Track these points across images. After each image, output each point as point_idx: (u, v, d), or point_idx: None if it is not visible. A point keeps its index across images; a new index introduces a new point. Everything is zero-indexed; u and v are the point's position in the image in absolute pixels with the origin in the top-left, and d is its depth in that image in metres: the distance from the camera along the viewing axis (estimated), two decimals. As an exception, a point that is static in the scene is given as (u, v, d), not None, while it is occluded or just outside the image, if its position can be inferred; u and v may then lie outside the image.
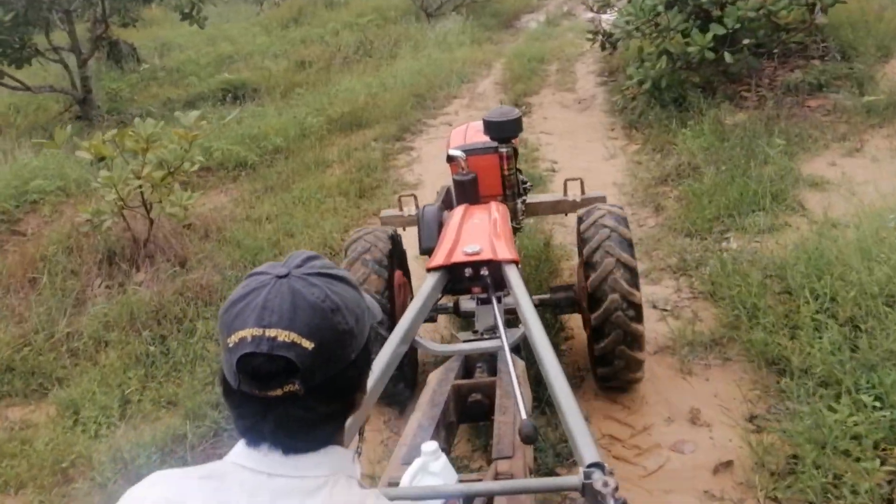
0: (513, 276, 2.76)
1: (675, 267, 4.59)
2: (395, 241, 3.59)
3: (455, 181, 3.68)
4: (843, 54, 8.22)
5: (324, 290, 1.06)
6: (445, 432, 2.42)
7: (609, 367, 3.28)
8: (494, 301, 2.78)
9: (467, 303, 3.48)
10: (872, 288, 3.54)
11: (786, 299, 3.85)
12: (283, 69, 11.96)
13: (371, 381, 1.66)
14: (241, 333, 1.02)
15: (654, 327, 4.00)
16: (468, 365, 2.91)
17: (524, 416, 1.98)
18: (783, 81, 7.62)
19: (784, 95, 7.25)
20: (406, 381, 3.46)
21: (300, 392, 1.04)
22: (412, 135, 8.22)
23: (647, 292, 4.38)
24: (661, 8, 6.65)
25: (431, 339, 3.49)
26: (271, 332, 1.01)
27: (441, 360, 3.11)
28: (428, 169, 6.97)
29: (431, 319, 3.68)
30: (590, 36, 8.67)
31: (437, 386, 2.58)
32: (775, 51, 7.21)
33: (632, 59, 8.26)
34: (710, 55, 6.53)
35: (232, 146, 7.58)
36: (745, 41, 6.59)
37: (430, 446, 1.84)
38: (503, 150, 3.71)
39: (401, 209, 4.28)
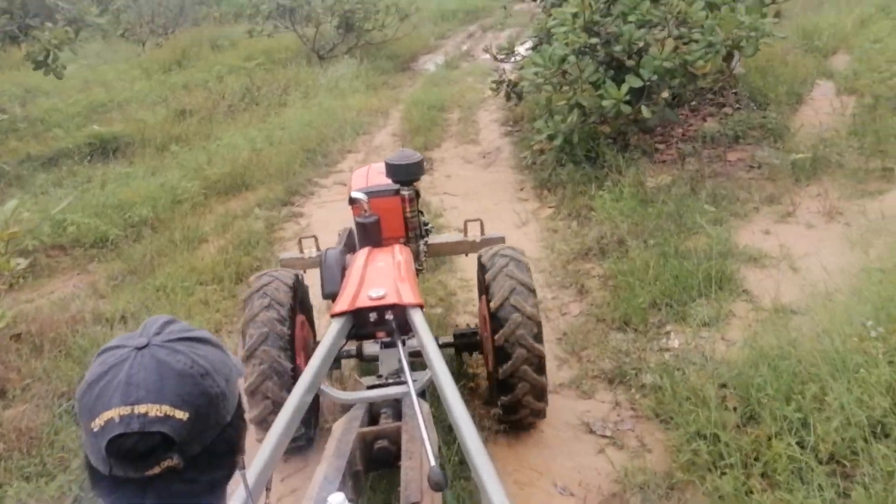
0: (417, 319, 2.73)
1: (611, 374, 3.87)
2: (296, 286, 3.49)
3: (357, 223, 3.63)
4: (753, 101, 7.87)
5: (189, 356, 1.03)
6: (353, 482, 2.39)
7: (513, 416, 3.36)
8: (400, 345, 2.72)
9: (371, 347, 3.50)
10: (858, 416, 2.89)
11: (751, 427, 3.16)
12: (161, 119, 10.87)
13: (276, 432, 1.92)
14: (107, 415, 0.97)
15: (594, 464, 3.26)
16: (373, 411, 2.87)
17: (432, 461, 1.90)
18: (698, 132, 7.16)
19: (701, 147, 6.77)
20: (308, 428, 3.37)
21: (179, 466, 1.00)
22: (301, 197, 7.33)
23: (581, 409, 3.66)
24: (571, 58, 6.04)
25: (334, 386, 3.43)
26: (141, 409, 0.97)
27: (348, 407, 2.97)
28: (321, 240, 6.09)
29: (335, 366, 3.60)
30: (493, 86, 8.03)
31: (341, 435, 2.53)
32: (693, 102, 6.71)
33: (540, 110, 7.67)
34: (626, 109, 5.95)
35: (90, 219, 6.51)
36: (664, 94, 6.03)
37: (337, 498, 1.72)
38: (405, 192, 3.73)
39: (301, 251, 4.25)
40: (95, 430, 0.98)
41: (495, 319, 3.19)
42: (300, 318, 3.53)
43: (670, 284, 4.41)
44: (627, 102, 5.96)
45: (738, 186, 5.89)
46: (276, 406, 2.90)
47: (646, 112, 6.02)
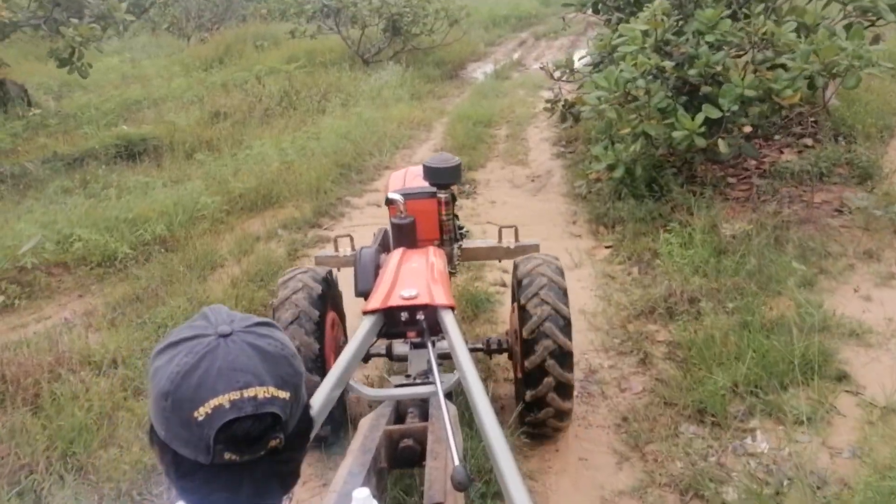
0: (448, 321, 2.75)
1: (683, 482, 3.13)
2: (329, 281, 3.54)
3: (393, 224, 3.69)
4: (837, 132, 7.03)
5: (276, 339, 1.06)
6: (376, 479, 2.37)
7: (537, 414, 3.28)
8: (429, 345, 2.75)
9: (400, 347, 3.45)
10: None
11: None
12: (194, 121, 10.34)
13: None
14: (214, 402, 0.97)
15: None
16: (400, 410, 2.82)
17: (456, 462, 1.94)
18: (775, 166, 6.35)
19: (780, 185, 5.98)
20: (334, 424, 3.35)
21: (280, 445, 1.03)
22: (330, 219, 6.70)
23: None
24: (640, 81, 5.30)
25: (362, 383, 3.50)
26: (250, 392, 0.99)
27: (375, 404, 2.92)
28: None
29: (363, 362, 3.53)
30: (548, 105, 7.31)
31: (368, 432, 2.52)
32: (776, 136, 5.93)
33: (598, 134, 6.93)
34: (700, 142, 5.20)
35: (99, 234, 5.94)
36: (746, 127, 5.26)
37: (362, 493, 1.65)
38: (441, 195, 3.76)
39: (336, 249, 4.28)
40: (201, 418, 0.97)
41: (524, 313, 3.18)
42: (331, 315, 3.52)
43: (755, 366, 3.65)
44: (701, 134, 5.21)
45: (827, 237, 5.10)
46: None
47: (723, 147, 5.26)
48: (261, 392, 0.98)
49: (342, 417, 3.45)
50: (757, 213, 5.42)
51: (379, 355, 3.52)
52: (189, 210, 6.55)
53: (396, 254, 3.44)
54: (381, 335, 2.97)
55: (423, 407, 2.78)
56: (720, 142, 5.26)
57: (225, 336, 1.02)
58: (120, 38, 22.26)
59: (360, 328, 2.79)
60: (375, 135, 8.85)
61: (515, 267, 3.46)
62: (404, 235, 3.63)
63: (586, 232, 6.00)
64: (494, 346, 3.58)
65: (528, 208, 6.65)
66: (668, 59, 5.44)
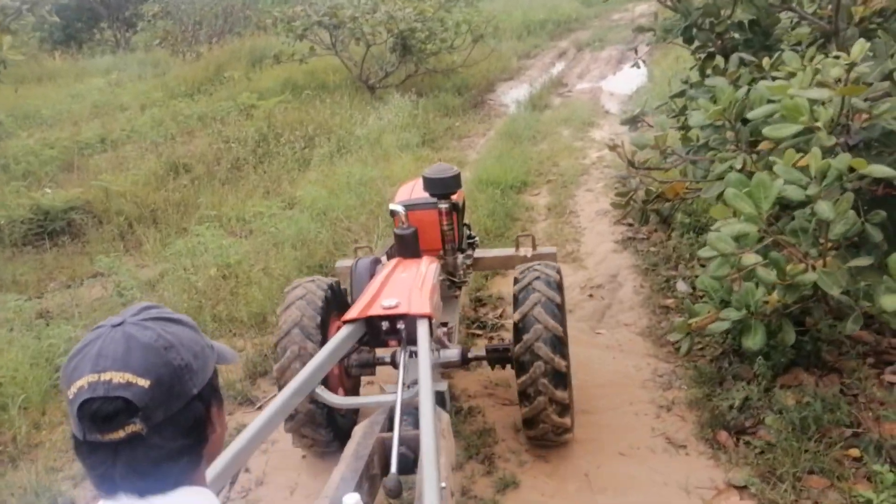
0: (422, 331, 2.76)
1: None
2: (334, 290, 3.57)
3: (395, 234, 3.67)
4: None
5: (156, 331, 1.11)
6: (368, 485, 2.42)
7: (535, 430, 3.29)
8: (402, 355, 2.78)
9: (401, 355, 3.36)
10: None
11: None
12: (146, 177, 8.00)
13: (253, 428, 2.06)
14: (79, 383, 1.06)
15: None
16: (394, 417, 2.65)
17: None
18: None
19: None
20: (337, 430, 3.35)
21: (143, 431, 1.06)
22: (272, 382, 4.24)
23: None
24: (811, 190, 2.74)
25: (372, 390, 3.80)
26: (106, 376, 1.05)
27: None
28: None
29: (370, 371, 3.41)
30: (618, 199, 4.71)
31: (361, 438, 2.56)
32: None
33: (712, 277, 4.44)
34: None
35: None
36: None
37: (352, 499, 1.80)
38: (442, 205, 3.74)
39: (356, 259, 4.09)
40: (70, 397, 1.06)
41: (518, 331, 3.20)
42: (336, 324, 3.44)
43: None
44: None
45: None
46: (308, 417, 3.22)
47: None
48: (116, 377, 1.05)
49: (347, 424, 3.31)
50: None
51: (383, 363, 3.35)
52: (50, 373, 4.16)
53: (390, 264, 3.46)
54: (363, 343, 2.96)
55: (415, 415, 2.59)
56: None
57: (115, 325, 1.10)
58: (115, 54, 20.24)
59: (335, 336, 2.77)
60: (366, 208, 6.37)
61: (515, 280, 3.42)
62: (406, 246, 3.62)
63: (693, 437, 3.46)
64: (497, 355, 3.45)
65: (587, 359, 4.13)
66: (846, 144, 2.89)
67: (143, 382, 1.05)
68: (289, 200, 7.08)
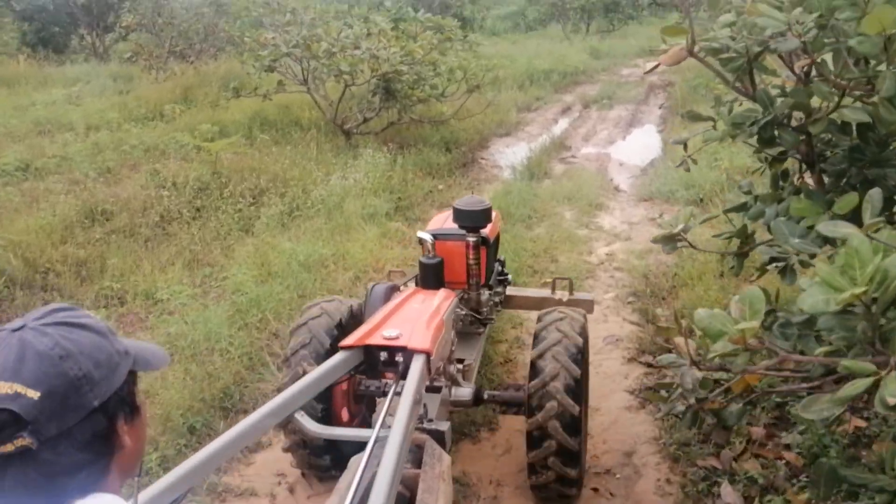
0: (416, 366, 2.62)
1: None
2: (353, 313, 3.48)
3: (420, 263, 3.62)
4: None
5: (55, 339, 1.04)
6: None
7: (539, 477, 3.14)
8: (392, 390, 2.60)
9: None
10: None
11: None
12: (50, 223, 6.47)
13: (210, 449, 1.88)
14: None
15: None
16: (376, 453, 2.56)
17: None
18: None
19: None
20: (338, 455, 3.24)
21: (33, 445, 1.00)
22: None
23: None
24: None
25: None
26: None
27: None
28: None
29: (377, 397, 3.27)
30: (656, 393, 3.17)
31: (357, 471, 2.23)
32: None
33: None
34: None
35: None
36: None
37: None
38: (470, 238, 3.62)
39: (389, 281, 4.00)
40: None
41: (533, 369, 3.09)
42: None
43: None
44: None
45: None
46: (305, 441, 3.16)
47: None
48: (4, 387, 0.99)
49: (352, 451, 2.83)
50: None
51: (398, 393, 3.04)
52: None
53: (406, 293, 3.36)
54: (360, 373, 2.84)
55: (417, 454, 2.50)
56: None
57: (14, 330, 1.04)
58: (88, 63, 18.78)
59: (327, 362, 2.63)
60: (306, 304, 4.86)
61: (538, 318, 3.35)
62: (429, 276, 3.56)
63: None
64: (510, 397, 3.33)
65: None
66: None
67: (33, 394, 0.99)
68: (214, 278, 5.57)
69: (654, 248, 6.01)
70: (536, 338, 3.21)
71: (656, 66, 3.25)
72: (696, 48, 2.70)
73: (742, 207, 3.21)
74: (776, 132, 3.14)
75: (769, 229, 2.85)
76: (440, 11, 21.04)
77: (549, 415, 2.96)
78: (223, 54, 15.48)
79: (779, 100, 2.95)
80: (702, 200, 6.89)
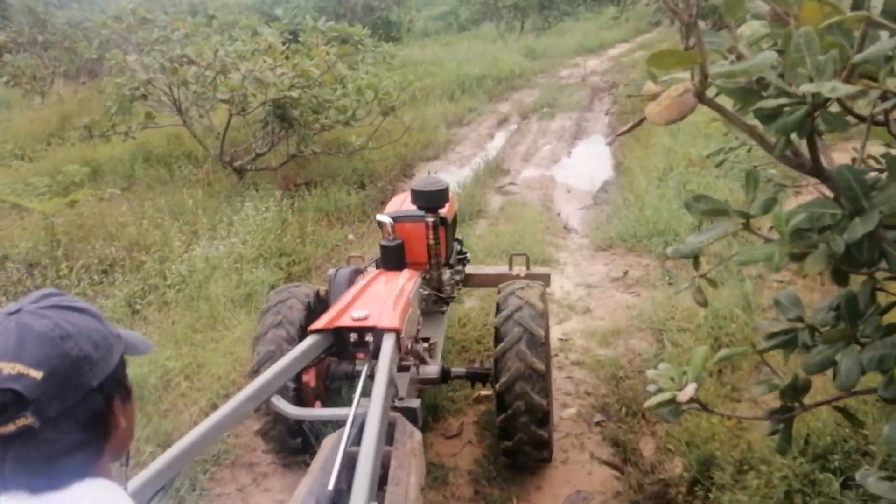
0: (386, 345, 2.66)
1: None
2: (320, 297, 3.54)
3: (380, 246, 3.64)
4: None
5: (54, 321, 1.04)
6: (335, 500, 2.22)
7: (511, 442, 3.15)
8: (366, 368, 2.65)
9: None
10: None
11: None
12: None
13: (194, 434, 1.94)
14: None
15: None
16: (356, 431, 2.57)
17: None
18: None
19: None
20: (308, 439, 3.33)
21: (35, 425, 1.00)
22: None
23: None
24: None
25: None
26: None
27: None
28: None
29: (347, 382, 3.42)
30: None
31: (329, 452, 2.35)
32: None
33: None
34: None
35: None
36: None
37: None
38: (429, 219, 3.61)
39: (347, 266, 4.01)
40: None
41: (498, 366, 3.09)
42: None
43: None
44: None
45: None
46: (278, 420, 3.17)
47: None
48: (6, 367, 0.98)
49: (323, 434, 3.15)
50: None
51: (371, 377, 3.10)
52: None
53: (370, 275, 3.40)
54: (331, 355, 2.83)
55: (389, 431, 2.49)
56: None
57: (10, 314, 1.03)
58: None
59: (299, 345, 2.65)
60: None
61: (497, 306, 3.32)
62: (390, 258, 3.57)
63: None
64: (477, 376, 3.45)
65: None
66: None
67: (36, 374, 0.99)
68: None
69: (620, 326, 4.53)
70: (499, 307, 3.25)
71: (639, 124, 2.02)
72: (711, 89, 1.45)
73: (789, 343, 1.85)
74: (866, 247, 1.80)
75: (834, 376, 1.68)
76: (364, 16, 19.40)
77: (516, 375, 2.98)
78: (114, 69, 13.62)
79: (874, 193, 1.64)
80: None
